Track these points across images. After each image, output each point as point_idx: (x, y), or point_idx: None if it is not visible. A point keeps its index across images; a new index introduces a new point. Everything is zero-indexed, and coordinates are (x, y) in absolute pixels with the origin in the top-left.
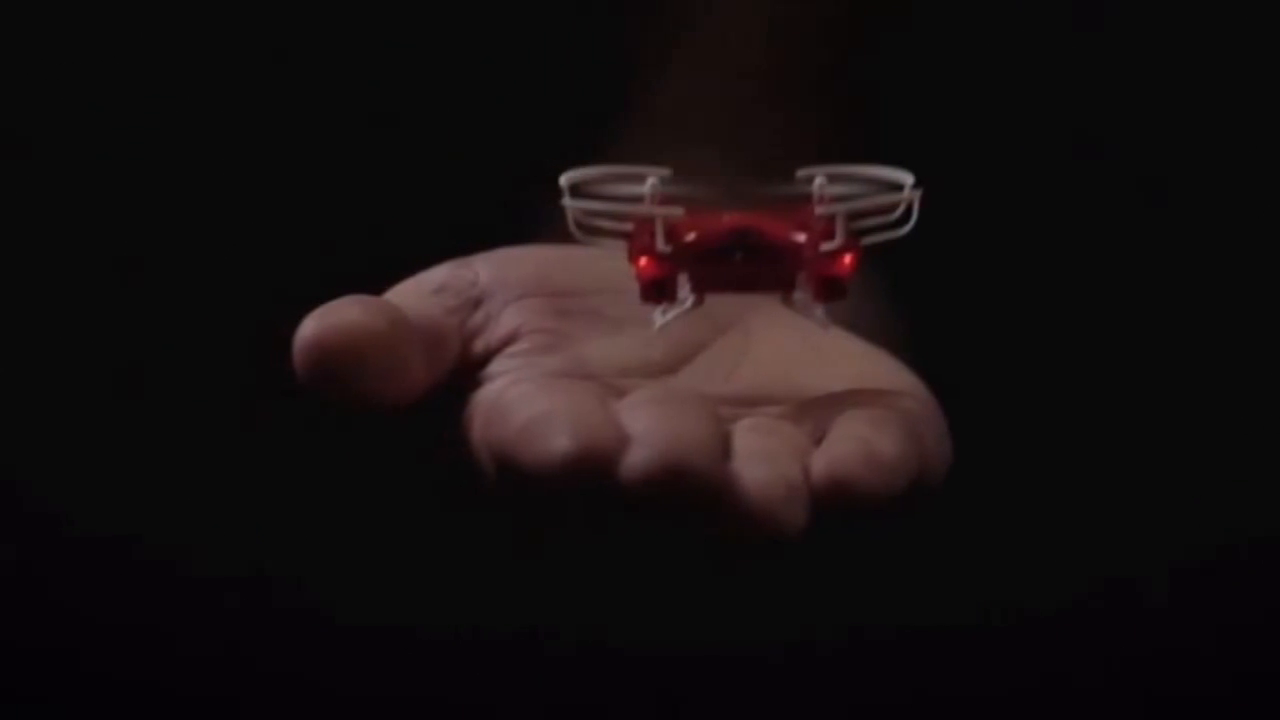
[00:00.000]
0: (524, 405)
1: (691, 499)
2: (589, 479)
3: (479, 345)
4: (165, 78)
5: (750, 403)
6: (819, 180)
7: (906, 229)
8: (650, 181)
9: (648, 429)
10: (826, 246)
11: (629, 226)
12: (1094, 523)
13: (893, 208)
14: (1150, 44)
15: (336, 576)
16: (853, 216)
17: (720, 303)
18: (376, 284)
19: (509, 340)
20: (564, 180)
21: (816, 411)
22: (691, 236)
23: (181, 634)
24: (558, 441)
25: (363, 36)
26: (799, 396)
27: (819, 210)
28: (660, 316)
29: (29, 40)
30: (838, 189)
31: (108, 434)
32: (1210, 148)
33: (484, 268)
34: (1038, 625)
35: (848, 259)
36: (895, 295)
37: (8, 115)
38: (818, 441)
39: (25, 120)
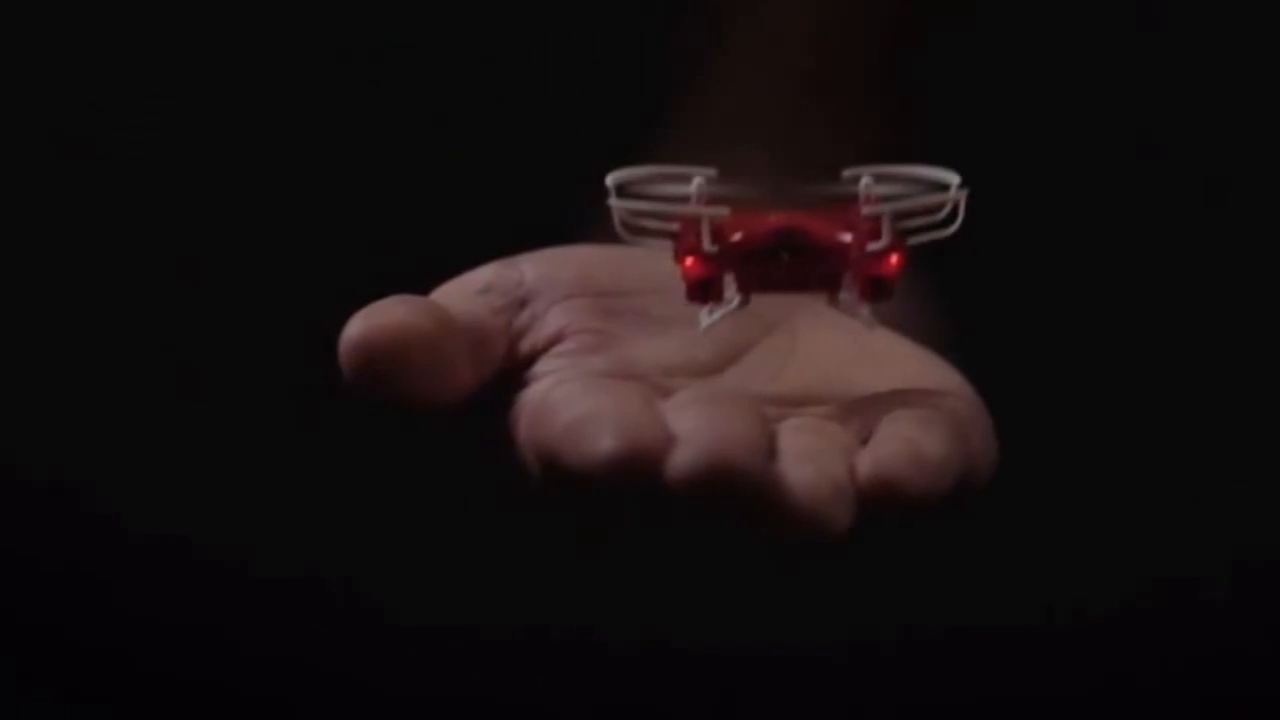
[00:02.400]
0: (569, 405)
1: (737, 499)
2: (634, 479)
3: (525, 345)
4: (219, 81)
5: (796, 403)
6: (865, 180)
7: (953, 229)
8: (696, 181)
9: (693, 429)
10: (872, 246)
11: (675, 226)
12: (1143, 523)
13: (939, 208)
14: (1208, 44)
15: (387, 576)
16: (899, 216)
17: (766, 303)
18: (423, 284)
19: (555, 340)
20: (610, 180)
21: (863, 412)
22: (737, 236)
23: (236, 634)
24: (603, 441)
25: (411, 37)
26: (845, 397)
27: (865, 210)
28: (706, 316)
29: (89, 44)
30: (884, 189)
31: (161, 435)
32: (1269, 148)
33: (530, 267)
34: (1087, 626)
35: (894, 259)
36: (942, 295)
37: (65, 117)
38: (864, 442)
39: (82, 121)
